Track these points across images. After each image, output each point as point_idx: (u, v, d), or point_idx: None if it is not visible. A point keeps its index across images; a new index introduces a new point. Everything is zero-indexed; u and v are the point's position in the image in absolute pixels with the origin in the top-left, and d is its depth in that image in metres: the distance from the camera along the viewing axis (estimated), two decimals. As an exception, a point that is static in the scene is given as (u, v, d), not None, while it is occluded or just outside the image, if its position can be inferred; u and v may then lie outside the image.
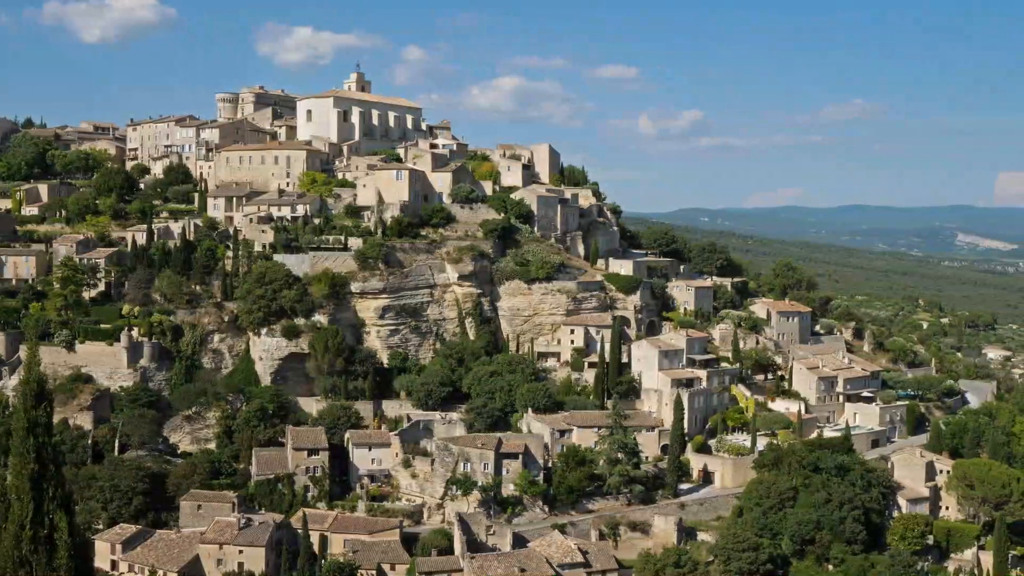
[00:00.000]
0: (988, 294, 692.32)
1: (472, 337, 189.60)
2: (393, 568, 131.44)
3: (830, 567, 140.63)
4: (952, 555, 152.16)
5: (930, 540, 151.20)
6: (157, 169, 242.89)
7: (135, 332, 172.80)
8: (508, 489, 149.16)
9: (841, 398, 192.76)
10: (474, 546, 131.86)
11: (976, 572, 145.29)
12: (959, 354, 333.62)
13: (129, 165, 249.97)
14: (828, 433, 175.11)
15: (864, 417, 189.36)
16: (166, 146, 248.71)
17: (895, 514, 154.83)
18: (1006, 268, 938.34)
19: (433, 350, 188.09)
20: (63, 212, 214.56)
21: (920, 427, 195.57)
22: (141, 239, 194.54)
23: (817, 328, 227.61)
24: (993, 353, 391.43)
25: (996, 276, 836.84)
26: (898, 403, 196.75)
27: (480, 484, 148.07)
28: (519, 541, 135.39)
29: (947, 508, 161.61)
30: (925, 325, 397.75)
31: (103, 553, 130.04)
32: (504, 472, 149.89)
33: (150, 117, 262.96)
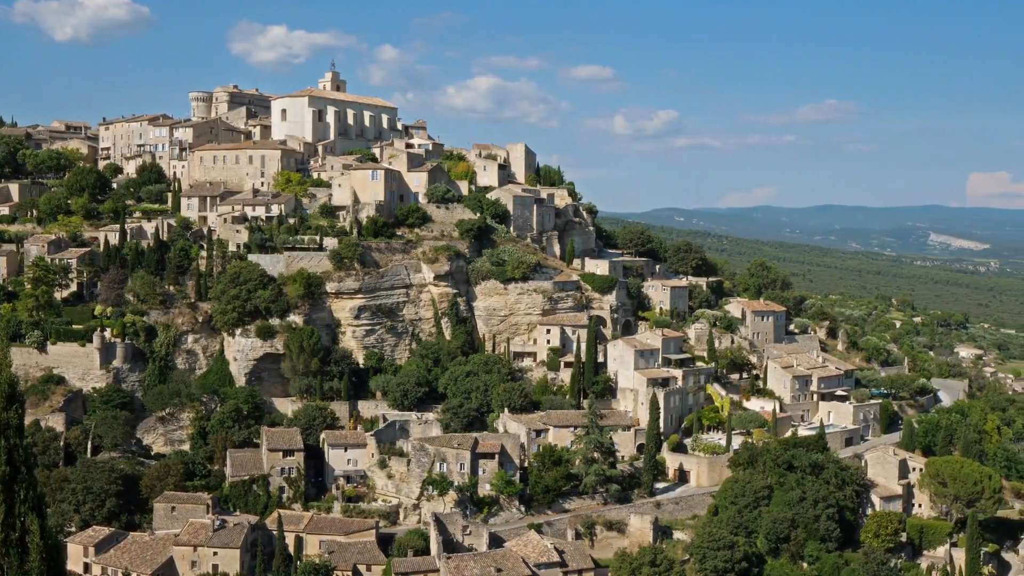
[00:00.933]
0: (960, 293, 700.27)
1: (448, 337, 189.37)
2: (369, 569, 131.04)
3: (804, 565, 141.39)
4: (925, 552, 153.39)
5: (903, 537, 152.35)
6: (130, 168, 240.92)
7: (108, 333, 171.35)
8: (484, 489, 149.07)
9: (815, 397, 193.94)
10: (450, 546, 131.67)
11: (948, 569, 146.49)
12: (931, 353, 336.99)
13: (101, 164, 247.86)
14: (802, 432, 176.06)
15: (838, 416, 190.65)
16: (139, 145, 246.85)
17: (869, 512, 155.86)
18: (977, 268, 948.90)
19: (409, 350, 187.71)
20: (34, 212, 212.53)
21: (893, 425, 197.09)
22: (114, 239, 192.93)
23: (791, 327, 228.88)
24: (965, 352, 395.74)
25: (968, 276, 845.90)
26: (871, 402, 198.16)
27: (456, 484, 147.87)
28: (495, 541, 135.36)
29: (920, 505, 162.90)
30: (898, 324, 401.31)
31: (76, 556, 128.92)
32: (480, 472, 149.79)
33: (123, 116, 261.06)
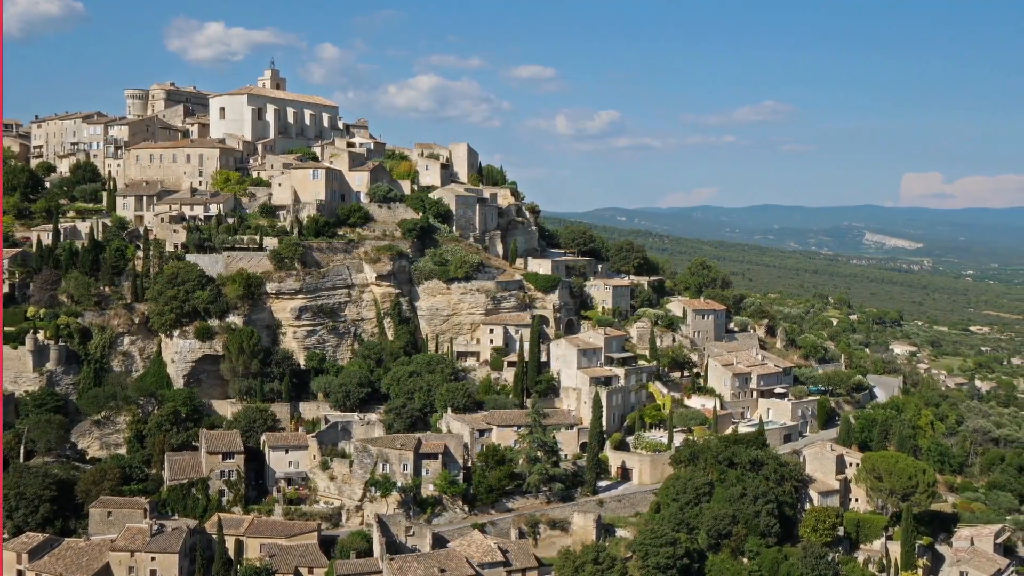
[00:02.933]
0: (894, 291, 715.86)
1: (391, 337, 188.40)
2: (311, 572, 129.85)
3: (745, 560, 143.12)
4: (861, 545, 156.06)
5: (841, 531, 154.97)
6: (63, 167, 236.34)
7: (41, 335, 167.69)
8: (428, 489, 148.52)
9: (755, 394, 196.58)
10: (393, 547, 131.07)
11: (884, 562, 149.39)
12: (867, 350, 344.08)
13: (34, 163, 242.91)
14: (743, 428, 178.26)
15: (777, 412, 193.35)
16: (73, 143, 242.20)
17: (807, 507, 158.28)
18: (911, 266, 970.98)
19: (351, 351, 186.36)
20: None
21: (830, 421, 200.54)
22: (47, 239, 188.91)
23: (731, 326, 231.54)
24: (899, 349, 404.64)
25: (902, 274, 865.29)
26: (809, 398, 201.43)
27: (399, 485, 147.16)
28: (439, 541, 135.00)
29: (856, 500, 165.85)
30: (835, 322, 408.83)
31: (9, 563, 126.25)
32: (424, 472, 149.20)
33: (56, 114, 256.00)
